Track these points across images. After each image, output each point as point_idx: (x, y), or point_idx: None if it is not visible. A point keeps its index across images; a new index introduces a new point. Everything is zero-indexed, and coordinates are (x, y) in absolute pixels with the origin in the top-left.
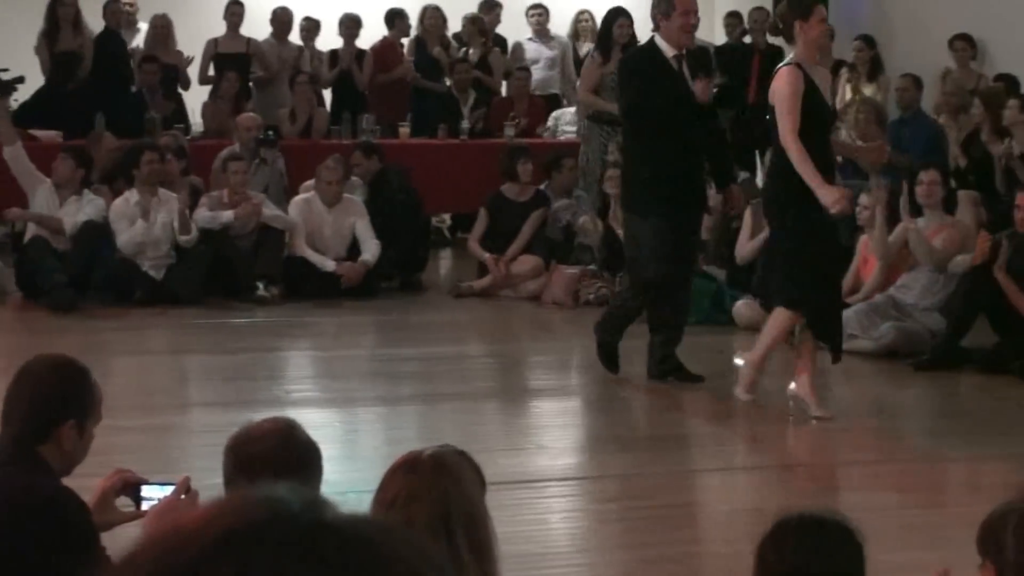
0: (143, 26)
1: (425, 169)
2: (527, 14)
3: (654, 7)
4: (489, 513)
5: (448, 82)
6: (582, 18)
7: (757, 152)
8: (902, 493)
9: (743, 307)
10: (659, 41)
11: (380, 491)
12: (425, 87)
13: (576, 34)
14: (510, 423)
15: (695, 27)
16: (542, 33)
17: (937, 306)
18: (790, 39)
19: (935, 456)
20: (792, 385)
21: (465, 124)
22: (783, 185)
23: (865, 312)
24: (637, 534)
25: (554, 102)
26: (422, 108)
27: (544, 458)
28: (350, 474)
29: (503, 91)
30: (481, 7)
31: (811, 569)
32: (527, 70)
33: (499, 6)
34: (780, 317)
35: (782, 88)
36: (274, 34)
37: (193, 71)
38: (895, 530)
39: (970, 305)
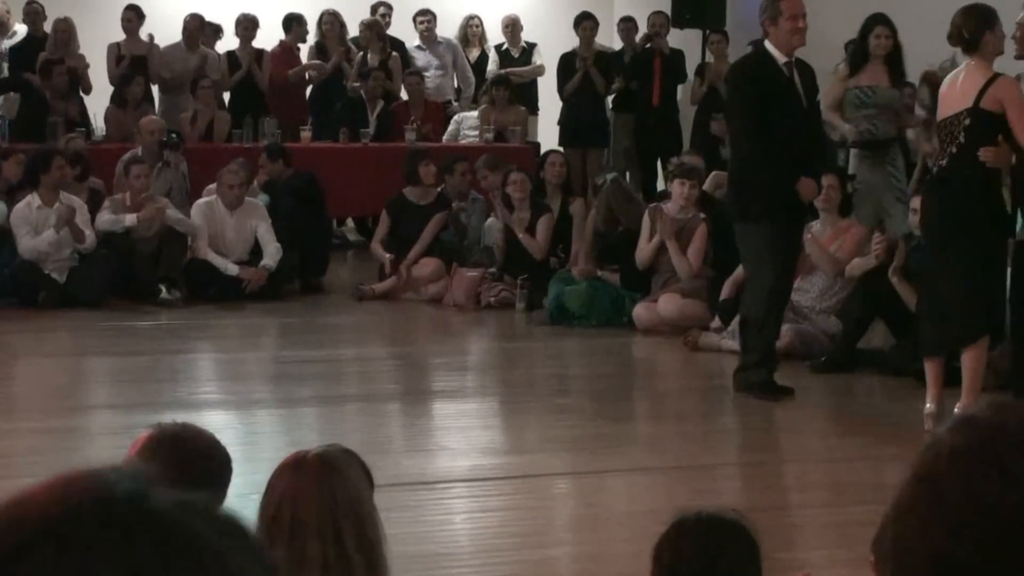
0: (20, 28)
1: (327, 172)
2: (415, 20)
3: (762, 13)
4: (377, 512)
5: (350, 87)
6: (471, 23)
7: (660, 157)
8: (798, 493)
9: (642, 310)
10: (770, 47)
11: (267, 492)
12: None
13: (465, 39)
14: (412, 425)
15: (804, 31)
16: (430, 39)
17: (834, 309)
18: (975, 49)
19: (831, 456)
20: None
21: (370, 129)
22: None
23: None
24: (538, 535)
25: (447, 107)
26: (324, 112)
27: (445, 459)
28: (252, 476)
29: (402, 95)
30: (372, 9)
31: (707, 568)
32: (419, 74)
33: (390, 7)
34: (977, 351)
35: (1014, 95)
36: (185, 41)
37: (99, 75)
38: (791, 529)
39: (866, 308)
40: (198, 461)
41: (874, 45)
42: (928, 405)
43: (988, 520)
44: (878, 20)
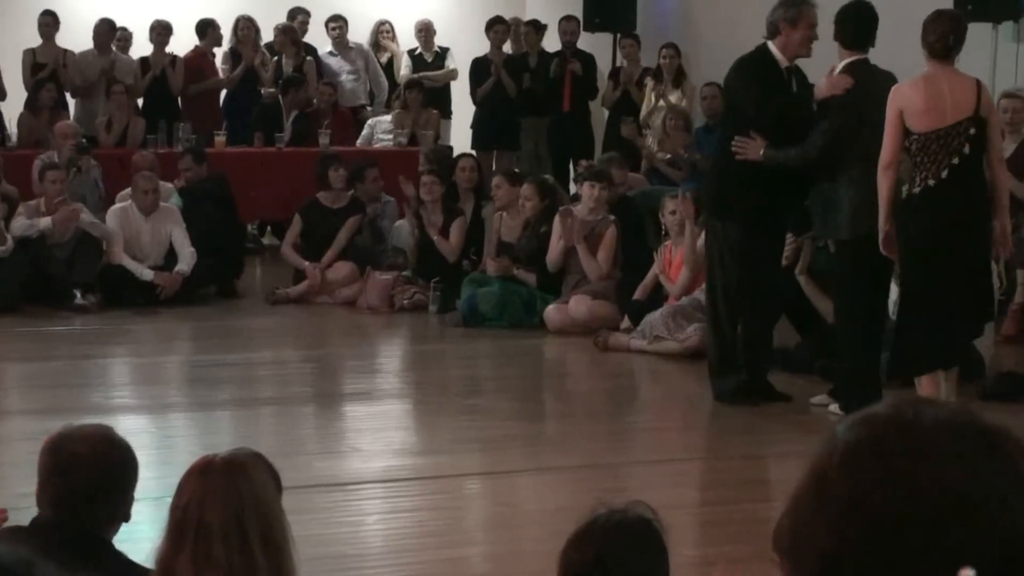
0: None
1: (242, 177)
2: (327, 26)
3: (778, 13)
4: (284, 515)
5: (265, 92)
6: (383, 28)
7: (571, 159)
8: (707, 490)
9: (553, 311)
10: (773, 49)
11: (176, 495)
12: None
13: (376, 44)
14: (325, 427)
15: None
16: (342, 45)
17: None
18: (952, 55)
19: (738, 453)
20: None
21: (285, 134)
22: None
23: (671, 314)
24: (450, 535)
25: (360, 113)
26: (239, 116)
27: (358, 461)
28: (167, 480)
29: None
30: (290, 15)
31: (613, 565)
32: (331, 84)
33: (307, 14)
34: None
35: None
36: (96, 46)
37: (15, 81)
38: (700, 526)
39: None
40: (82, 469)
41: None
42: None
43: (872, 517)
44: None
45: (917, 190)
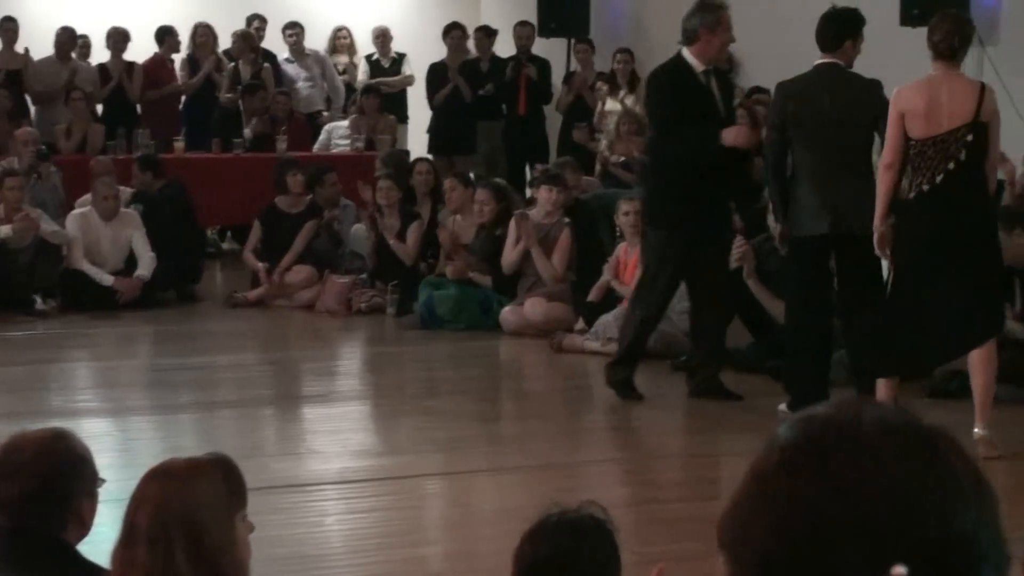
0: None
1: (201, 183)
2: (284, 33)
3: (696, 19)
4: (231, 520)
5: (223, 98)
6: (340, 35)
7: (526, 163)
8: (658, 488)
9: (508, 313)
10: (687, 55)
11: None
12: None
13: (333, 50)
14: (284, 429)
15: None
16: (298, 52)
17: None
18: (957, 58)
19: (690, 452)
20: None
21: (244, 140)
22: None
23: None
24: (408, 535)
25: (316, 118)
26: (198, 123)
27: (317, 462)
28: (128, 482)
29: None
30: (247, 22)
31: (565, 563)
32: (286, 93)
33: (265, 21)
34: (991, 353)
35: (997, 107)
36: (57, 54)
37: None
38: (652, 524)
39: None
40: (24, 473)
41: None
42: None
43: (810, 518)
44: None
45: (912, 195)
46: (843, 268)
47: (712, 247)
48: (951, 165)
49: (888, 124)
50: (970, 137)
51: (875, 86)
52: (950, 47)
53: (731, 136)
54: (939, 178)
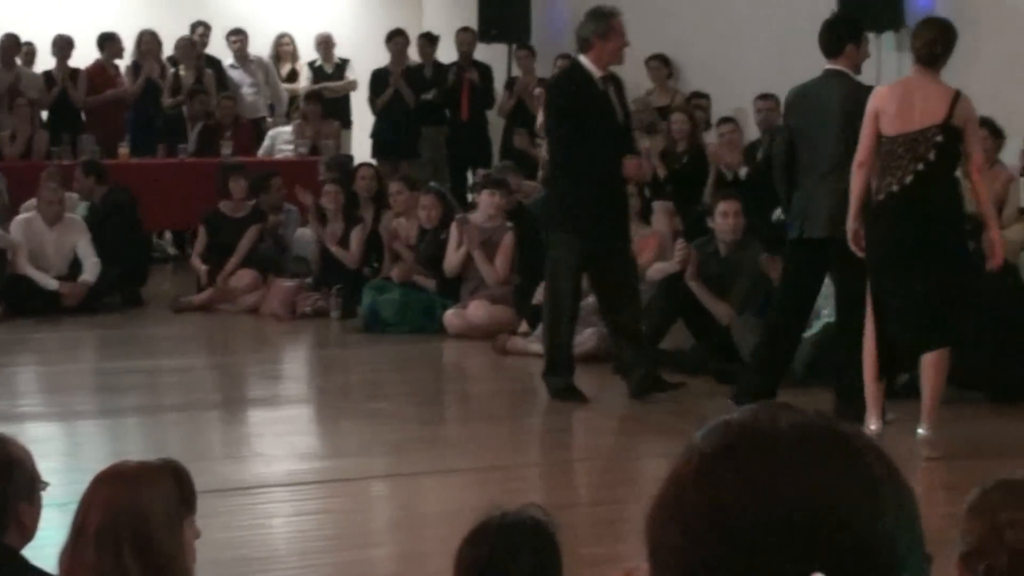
0: None
1: (145, 188)
2: (228, 39)
3: (588, 28)
4: (181, 526)
5: (166, 103)
6: (283, 41)
7: (469, 168)
8: (603, 489)
9: (452, 316)
10: (585, 62)
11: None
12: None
13: (277, 56)
14: (229, 432)
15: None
16: (242, 58)
17: None
18: (939, 64)
19: (632, 454)
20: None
21: (189, 145)
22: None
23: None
24: (355, 536)
25: (261, 124)
26: (142, 129)
27: (262, 465)
28: (73, 486)
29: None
30: (191, 29)
31: (505, 565)
32: (232, 98)
33: (209, 27)
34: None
35: (975, 113)
36: (1, 61)
37: None
38: (595, 525)
39: (666, 310)
40: None
41: None
42: (872, 426)
43: (727, 524)
44: None
45: (881, 196)
46: (842, 270)
47: (614, 248)
48: (920, 166)
49: (863, 123)
50: (940, 138)
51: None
52: (931, 53)
53: (631, 169)
54: (908, 179)
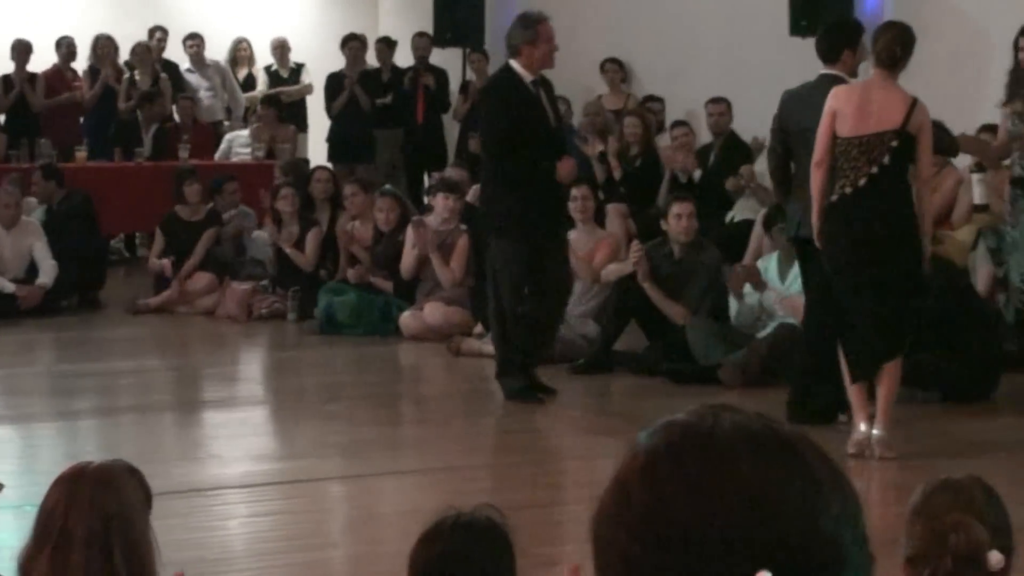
0: None
1: (102, 191)
2: (184, 44)
3: (517, 34)
4: (152, 531)
5: (122, 108)
6: (240, 46)
7: (425, 171)
8: (556, 490)
9: (408, 318)
10: (516, 66)
11: (45, 497)
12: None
13: (234, 61)
14: (185, 434)
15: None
16: (199, 62)
17: (591, 313)
18: (898, 67)
19: (587, 454)
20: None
21: (145, 149)
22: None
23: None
24: (310, 537)
25: (218, 127)
26: (99, 133)
27: (217, 467)
28: (29, 488)
29: (175, 116)
30: (149, 34)
31: (458, 562)
32: (191, 99)
33: (166, 32)
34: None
35: (929, 122)
36: None
37: None
38: (549, 525)
39: (621, 312)
40: None
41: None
42: (861, 428)
43: (671, 524)
44: None
45: (835, 197)
46: None
47: (552, 247)
48: (874, 169)
49: (820, 122)
50: (895, 143)
51: None
52: (891, 56)
53: (564, 170)
54: (862, 182)
